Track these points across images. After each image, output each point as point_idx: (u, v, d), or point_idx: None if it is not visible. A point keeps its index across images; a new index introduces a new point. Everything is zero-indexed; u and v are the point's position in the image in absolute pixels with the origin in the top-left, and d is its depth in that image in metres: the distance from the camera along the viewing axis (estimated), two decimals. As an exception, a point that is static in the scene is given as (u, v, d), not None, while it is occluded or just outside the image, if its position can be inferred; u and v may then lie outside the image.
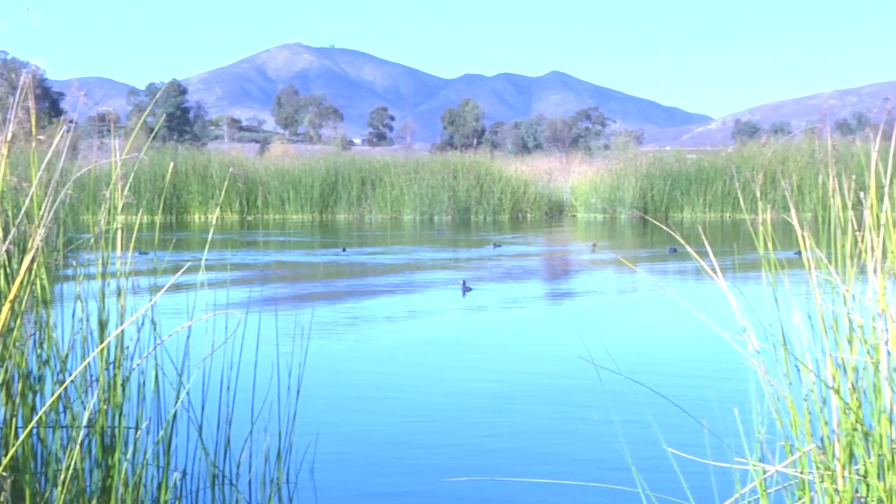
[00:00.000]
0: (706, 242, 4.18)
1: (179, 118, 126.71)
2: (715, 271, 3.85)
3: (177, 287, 4.33)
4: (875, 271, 3.61)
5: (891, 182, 3.69)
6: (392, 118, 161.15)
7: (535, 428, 6.52)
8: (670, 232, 4.25)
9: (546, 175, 40.16)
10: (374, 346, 9.83)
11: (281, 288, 14.43)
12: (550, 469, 5.54)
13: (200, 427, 4.22)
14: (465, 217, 35.40)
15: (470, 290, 13.73)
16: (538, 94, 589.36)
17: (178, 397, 4.06)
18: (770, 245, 3.88)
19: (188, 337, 4.11)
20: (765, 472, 3.57)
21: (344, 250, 21.14)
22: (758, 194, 4.14)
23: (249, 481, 4.58)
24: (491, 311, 12.06)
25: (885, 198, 3.66)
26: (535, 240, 25.82)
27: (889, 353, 3.50)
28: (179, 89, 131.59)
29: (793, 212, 3.89)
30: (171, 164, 5.79)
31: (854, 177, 4.01)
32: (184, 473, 4.30)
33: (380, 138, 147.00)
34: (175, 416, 4.05)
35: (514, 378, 8.12)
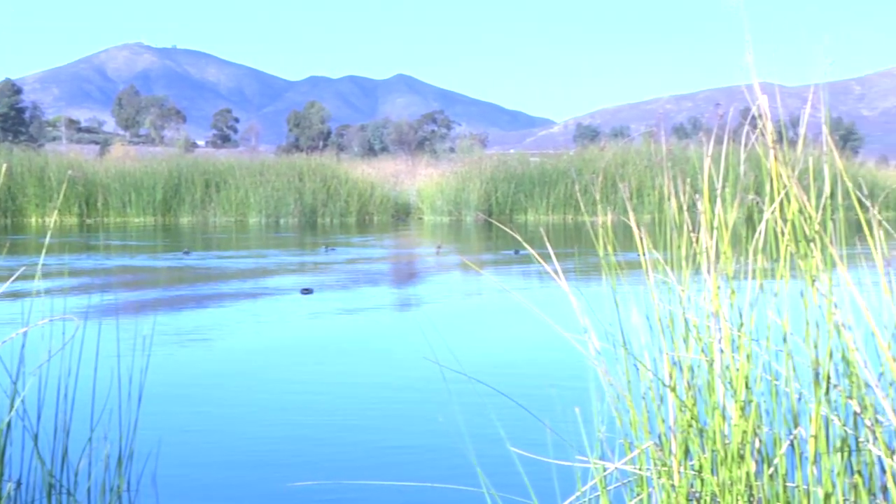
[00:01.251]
0: (548, 245, 4.25)
1: (14, 119, 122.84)
2: (557, 273, 3.92)
3: (13, 294, 4.20)
4: (708, 272, 3.72)
5: (723, 185, 3.81)
6: (237, 120, 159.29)
7: (381, 430, 6.52)
8: (513, 234, 4.31)
9: (392, 178, 40.27)
10: (217, 351, 9.70)
11: (122, 293, 14.12)
12: (396, 471, 5.55)
13: (36, 436, 4.11)
14: (311, 220, 35.22)
15: (310, 292, 13.67)
16: (384, 97, 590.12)
17: (12, 405, 3.94)
18: (609, 247, 3.96)
19: (23, 345, 3.99)
20: (605, 470, 3.65)
21: (187, 253, 20.81)
22: (597, 197, 4.22)
23: (88, 490, 4.47)
24: (334, 315, 12.02)
25: (718, 200, 3.78)
26: (381, 242, 25.84)
27: (722, 351, 3.62)
28: (14, 89, 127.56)
29: (630, 214, 3.98)
30: (5, 165, 5.62)
31: (689, 180, 4.13)
32: (18, 484, 4.18)
33: (224, 140, 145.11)
34: (9, 425, 3.93)
35: (359, 381, 8.12)
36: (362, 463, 5.79)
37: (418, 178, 39.73)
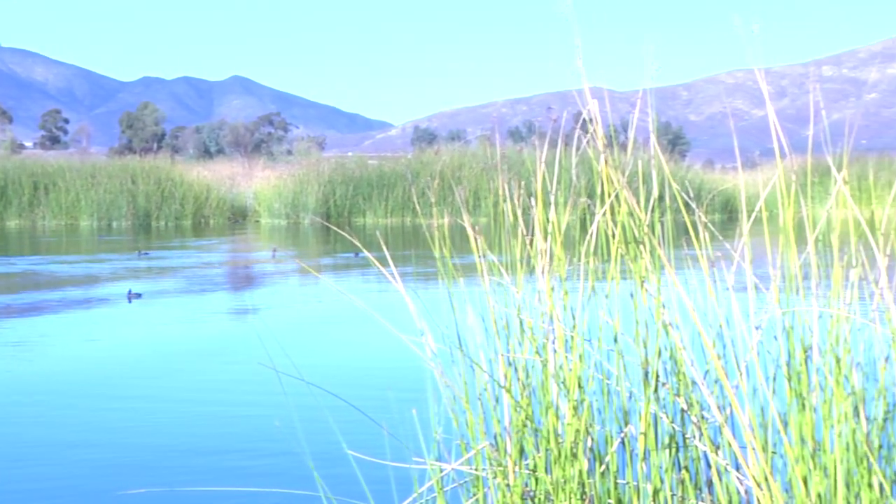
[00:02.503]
0: (385, 248, 4.26)
1: None
2: (394, 276, 3.92)
3: None
4: (542, 274, 3.78)
5: (556, 188, 3.87)
6: (66, 121, 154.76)
7: (216, 436, 6.43)
8: (349, 237, 4.30)
9: (229, 180, 39.72)
10: (41, 362, 9.41)
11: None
12: (231, 477, 5.48)
13: None
14: (145, 223, 34.50)
15: (139, 296, 13.39)
16: (220, 99, 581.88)
17: None
18: (446, 250, 3.99)
19: None
20: (441, 471, 3.67)
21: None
22: (433, 200, 4.25)
23: None
24: (167, 322, 11.80)
25: (551, 203, 3.84)
26: (217, 245, 25.46)
27: (555, 351, 3.68)
28: None
29: (465, 216, 4.01)
30: None
31: (523, 183, 4.18)
32: None
33: (53, 141, 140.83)
34: None
35: (193, 387, 7.99)
36: (197, 469, 5.70)
37: (255, 181, 39.32)
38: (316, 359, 8.92)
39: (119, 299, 13.42)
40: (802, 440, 3.23)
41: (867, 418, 3.23)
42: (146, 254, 21.42)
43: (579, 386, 3.61)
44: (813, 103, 3.85)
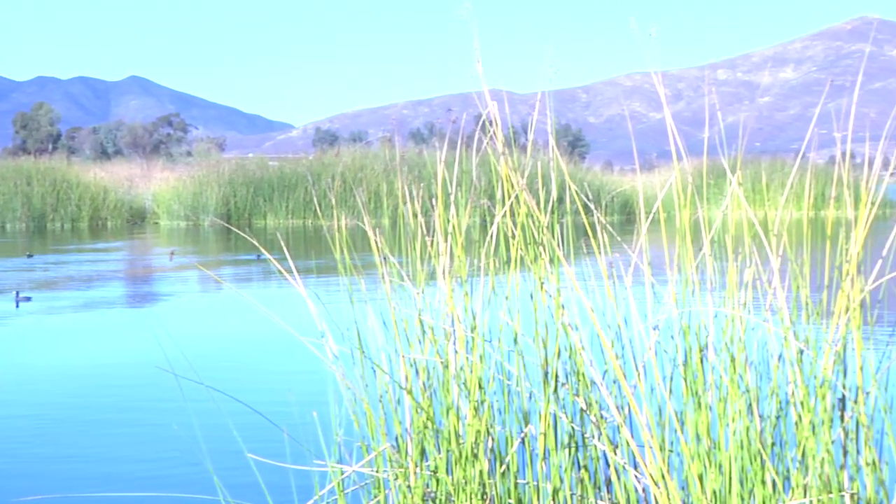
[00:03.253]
0: (286, 250, 4.23)
1: None
2: (295, 279, 3.90)
3: None
4: (443, 275, 3.79)
5: (457, 190, 3.88)
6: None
7: (114, 441, 6.33)
8: (250, 239, 4.26)
9: (127, 182, 39.09)
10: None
11: None
12: (129, 482, 5.39)
13: None
14: (40, 225, 33.79)
15: (28, 299, 13.10)
16: (117, 99, 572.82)
17: None
18: (346, 252, 3.97)
19: None
20: (342, 473, 3.66)
21: None
22: (333, 202, 4.23)
23: None
24: (56, 325, 11.58)
25: (452, 205, 3.85)
26: (114, 248, 25.06)
27: (456, 352, 3.69)
28: None
29: (365, 218, 4.00)
30: None
31: (424, 184, 4.19)
32: None
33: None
34: None
35: (89, 393, 7.85)
36: (93, 476, 5.60)
37: (154, 183, 38.75)
38: (215, 363, 8.82)
39: (6, 303, 13.11)
40: (698, 438, 3.28)
41: (760, 416, 3.30)
42: (32, 256, 20.91)
43: (480, 387, 3.62)
44: (708, 106, 3.91)
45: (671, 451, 3.42)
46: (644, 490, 3.39)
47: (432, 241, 3.88)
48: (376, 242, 3.96)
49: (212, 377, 5.56)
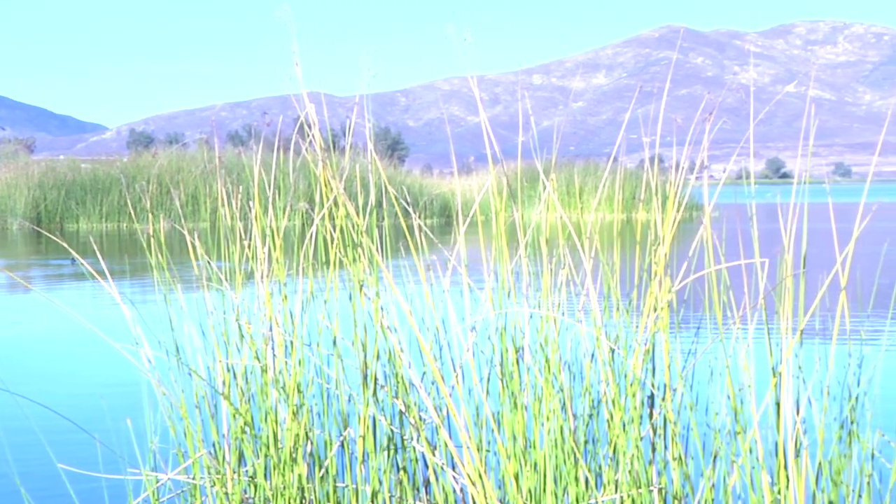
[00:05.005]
0: (99, 254, 4.12)
1: None
2: (109, 284, 3.81)
3: None
4: (262, 279, 3.76)
5: (275, 193, 3.86)
6: None
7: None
8: (61, 242, 4.14)
9: (-72, 183, 37.40)
10: None
11: None
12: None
13: None
14: None
15: None
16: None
17: None
18: (162, 256, 3.90)
19: None
20: (158, 481, 3.59)
21: None
22: (149, 205, 4.15)
23: None
24: None
25: (270, 208, 3.82)
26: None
27: (275, 356, 3.66)
28: None
29: (182, 221, 3.94)
30: None
31: (242, 187, 4.14)
32: None
33: None
34: None
35: None
36: None
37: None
38: (25, 371, 8.53)
39: None
40: (514, 438, 3.34)
41: (574, 415, 3.38)
42: None
43: (299, 391, 3.61)
44: (524, 111, 3.98)
45: (488, 450, 3.47)
46: (462, 490, 3.44)
47: (250, 244, 3.84)
48: (193, 246, 3.90)
49: (18, 384, 5.38)
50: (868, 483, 3.13)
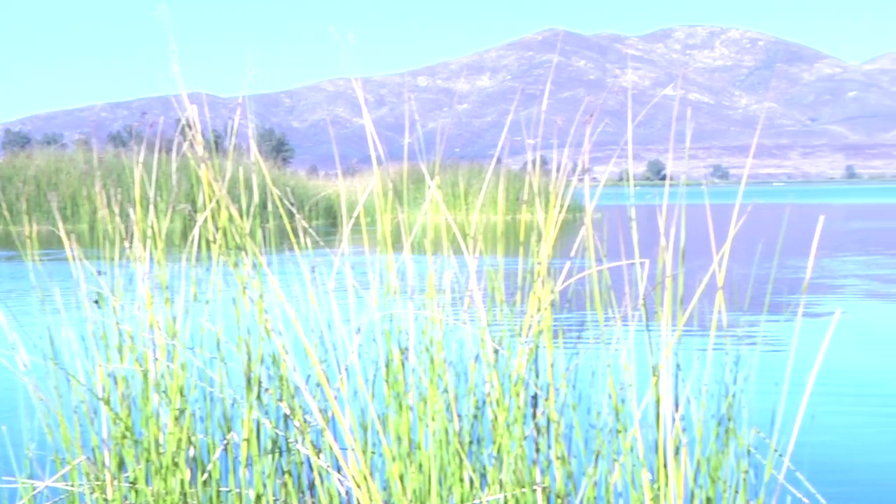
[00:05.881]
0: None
1: None
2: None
3: None
4: (142, 281, 3.70)
5: (156, 194, 3.80)
6: None
7: None
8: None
9: None
10: None
11: None
12: None
13: None
14: None
15: None
16: None
17: None
18: (37, 258, 3.81)
19: None
20: (34, 489, 3.51)
21: None
22: (24, 206, 4.05)
23: None
24: None
25: (151, 209, 3.76)
26: None
27: (157, 360, 3.61)
28: None
29: (60, 223, 3.86)
30: None
31: (122, 188, 4.07)
32: None
33: None
34: None
35: None
36: None
37: None
38: None
39: None
40: (400, 439, 3.34)
41: (459, 416, 3.39)
42: None
43: (181, 394, 3.56)
44: (409, 112, 3.99)
45: (374, 452, 3.47)
46: (347, 492, 3.43)
47: (131, 247, 3.78)
48: (71, 248, 3.82)
49: None
50: (744, 479, 3.21)
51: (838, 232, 29.78)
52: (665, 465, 3.14)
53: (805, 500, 3.56)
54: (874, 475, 5.14)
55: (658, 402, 3.18)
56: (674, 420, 3.15)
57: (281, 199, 3.77)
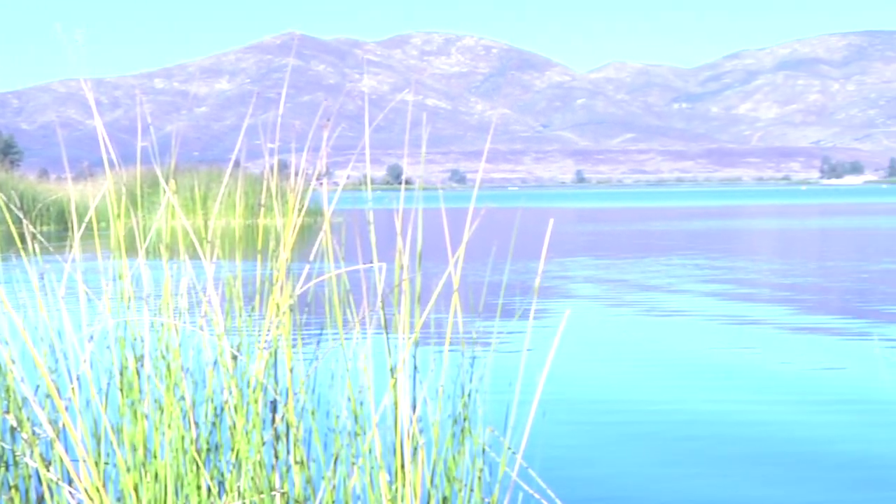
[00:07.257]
0: None
1: None
2: None
3: None
4: None
5: None
6: None
7: None
8: None
9: None
10: None
11: None
12: None
13: None
14: None
15: None
16: None
17: None
18: None
19: None
20: None
21: None
22: None
23: None
24: None
25: None
26: None
27: None
28: None
29: None
30: None
31: None
32: None
33: None
34: None
35: None
36: None
37: None
38: None
39: None
40: (135, 449, 3.26)
41: (196, 423, 3.34)
42: None
43: None
44: (144, 115, 3.90)
45: (107, 463, 3.37)
46: (79, 505, 3.32)
47: None
48: None
49: None
50: (479, 477, 3.29)
51: (569, 234, 31.00)
52: (403, 467, 3.19)
53: (536, 495, 3.68)
54: (602, 470, 5.37)
55: (396, 404, 3.22)
56: (411, 421, 3.20)
57: (7, 204, 3.62)
